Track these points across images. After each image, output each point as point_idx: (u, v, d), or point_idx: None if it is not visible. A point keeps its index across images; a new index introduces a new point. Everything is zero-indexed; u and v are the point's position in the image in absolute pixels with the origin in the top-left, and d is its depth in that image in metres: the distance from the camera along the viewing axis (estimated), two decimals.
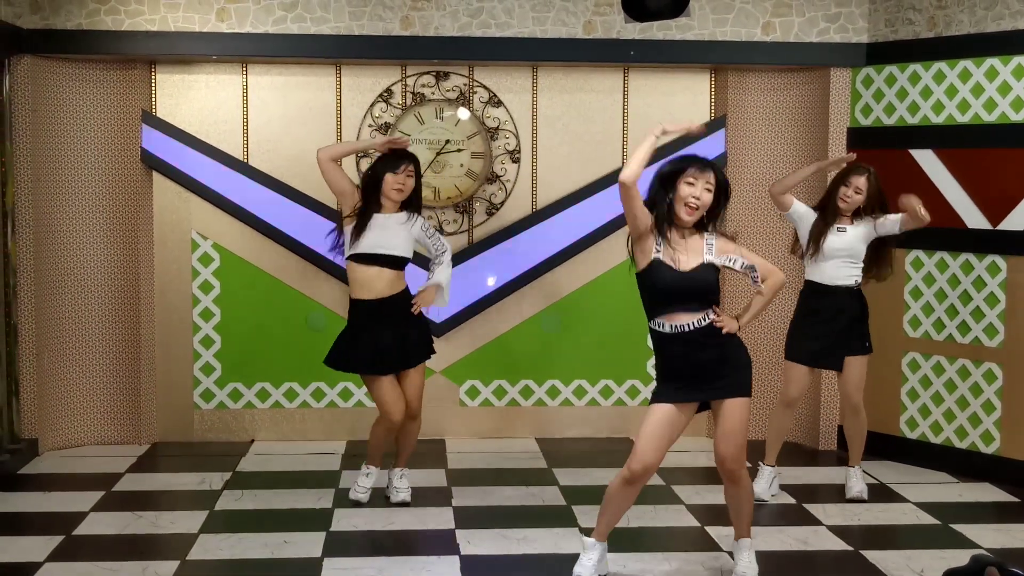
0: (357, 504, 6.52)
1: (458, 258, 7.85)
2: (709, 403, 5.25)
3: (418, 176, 6.41)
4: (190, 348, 7.96)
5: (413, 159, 6.40)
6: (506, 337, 8.11)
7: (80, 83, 7.62)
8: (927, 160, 7.33)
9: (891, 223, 6.47)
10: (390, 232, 6.31)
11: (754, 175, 8.01)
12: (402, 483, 6.61)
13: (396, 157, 6.34)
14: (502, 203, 8.03)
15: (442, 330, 7.93)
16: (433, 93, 7.95)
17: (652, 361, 8.08)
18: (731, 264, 5.16)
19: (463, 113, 7.97)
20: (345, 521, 6.25)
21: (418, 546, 5.89)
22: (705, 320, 5.11)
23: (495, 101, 7.98)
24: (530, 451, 7.81)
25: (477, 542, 5.90)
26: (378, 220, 6.30)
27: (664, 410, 5.16)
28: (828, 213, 6.53)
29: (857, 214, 6.54)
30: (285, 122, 7.91)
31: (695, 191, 5.06)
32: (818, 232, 6.53)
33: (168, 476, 7.20)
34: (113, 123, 7.73)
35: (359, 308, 6.38)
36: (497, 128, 7.99)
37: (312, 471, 7.26)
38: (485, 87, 7.97)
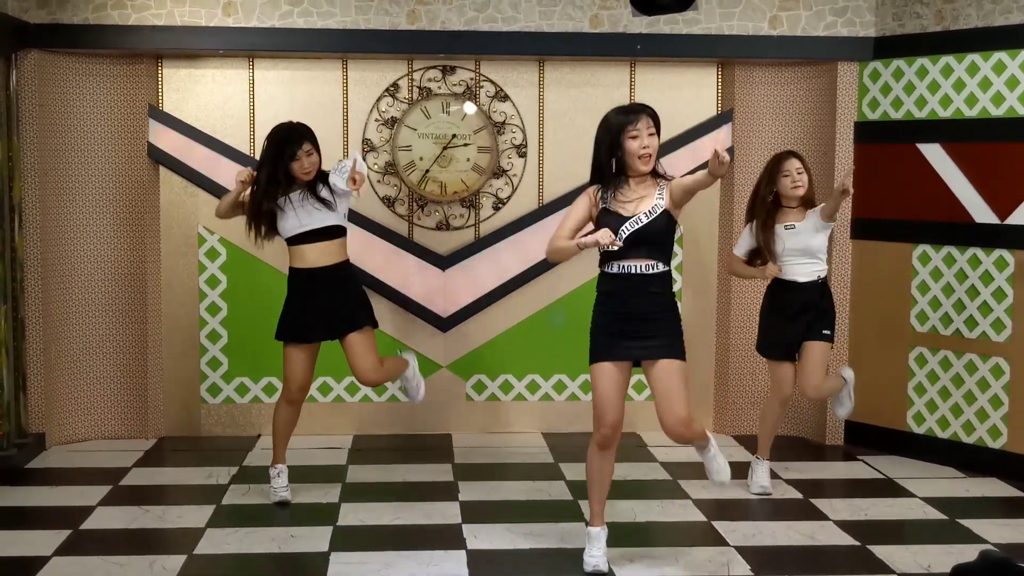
0: (284, 504, 6.42)
1: (464, 253, 7.87)
2: (639, 362, 5.32)
3: (318, 150, 6.36)
4: (197, 343, 7.96)
5: (307, 135, 6.32)
6: (513, 332, 8.11)
7: (87, 78, 7.63)
8: (934, 154, 7.32)
9: (823, 214, 6.45)
10: (307, 209, 6.25)
11: (760, 169, 7.97)
12: (278, 480, 6.49)
13: (291, 141, 6.26)
14: (509, 198, 8.03)
15: (448, 325, 7.93)
16: (439, 87, 7.95)
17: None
18: (683, 183, 5.21)
19: (469, 107, 7.96)
20: (352, 516, 6.26)
21: (424, 540, 5.89)
22: (652, 269, 5.20)
23: (502, 95, 7.98)
24: (536, 446, 7.81)
25: (484, 536, 5.91)
26: (293, 199, 6.26)
27: (608, 368, 5.27)
28: (767, 213, 6.48)
29: (805, 205, 6.52)
30: (292, 116, 7.82)
31: (642, 141, 5.18)
32: (766, 239, 6.50)
33: (175, 471, 7.21)
34: (120, 118, 7.73)
35: (292, 276, 6.41)
36: (504, 122, 7.98)
37: (319, 465, 7.26)
38: (492, 81, 7.96)
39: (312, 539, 5.85)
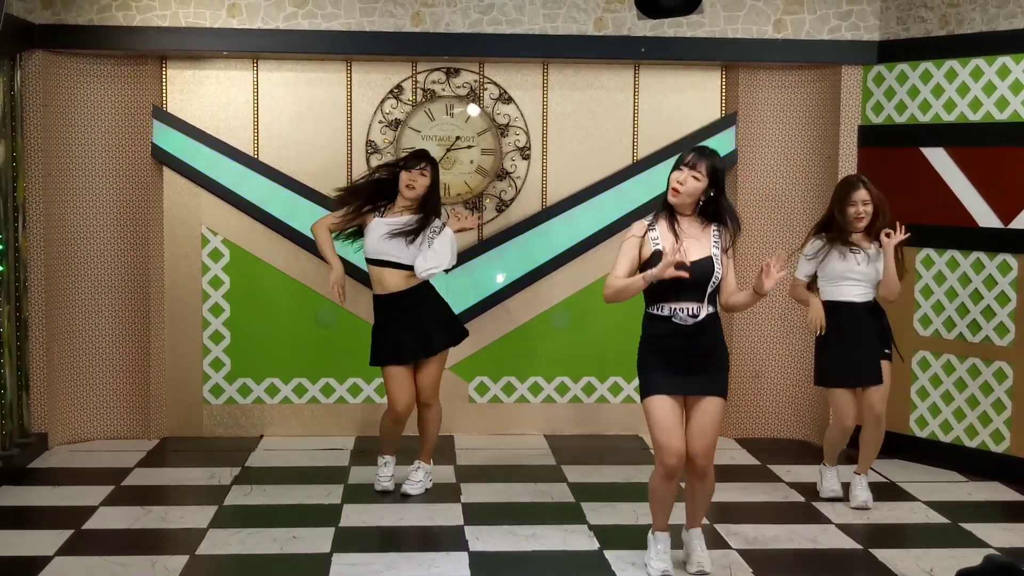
0: (384, 493, 6.59)
1: (468, 255, 7.86)
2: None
3: (435, 180, 6.52)
4: (200, 343, 7.97)
5: (429, 160, 6.55)
6: (516, 334, 8.11)
7: (91, 78, 7.63)
8: (938, 158, 7.31)
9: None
10: (395, 243, 6.41)
11: (764, 173, 8.00)
12: (416, 475, 6.67)
13: (413, 157, 6.55)
14: (512, 200, 8.03)
15: None
16: (444, 89, 7.95)
17: None
18: (729, 283, 5.33)
19: (473, 110, 7.96)
20: (354, 517, 6.26)
21: (427, 542, 5.89)
22: (702, 312, 5.19)
23: (505, 98, 7.98)
24: (539, 448, 7.81)
25: (486, 538, 5.90)
26: (386, 223, 6.43)
27: (664, 400, 5.25)
28: (840, 239, 6.38)
29: (869, 232, 6.41)
30: (296, 118, 7.91)
31: (680, 176, 5.23)
32: (836, 256, 6.40)
33: (177, 471, 7.21)
34: (124, 118, 7.73)
35: (377, 303, 6.57)
36: (507, 125, 7.98)
37: (321, 466, 7.26)
38: (496, 84, 7.97)
39: (314, 540, 5.85)
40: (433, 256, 6.44)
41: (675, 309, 5.20)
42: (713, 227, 5.29)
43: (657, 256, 5.17)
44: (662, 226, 5.27)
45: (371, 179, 6.61)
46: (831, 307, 6.46)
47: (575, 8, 7.57)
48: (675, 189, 5.23)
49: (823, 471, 6.72)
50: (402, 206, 6.49)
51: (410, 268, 6.45)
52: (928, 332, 7.43)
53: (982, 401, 7.19)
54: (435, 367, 6.60)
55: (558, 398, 8.16)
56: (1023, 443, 7.00)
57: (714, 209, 5.29)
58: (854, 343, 6.42)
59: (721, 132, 7.95)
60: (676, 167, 5.27)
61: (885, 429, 6.61)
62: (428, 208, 6.49)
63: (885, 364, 6.48)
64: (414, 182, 6.43)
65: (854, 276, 6.40)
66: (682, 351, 5.22)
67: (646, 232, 5.27)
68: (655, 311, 5.26)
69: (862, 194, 6.39)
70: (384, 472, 6.70)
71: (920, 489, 6.89)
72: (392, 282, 6.46)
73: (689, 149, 5.36)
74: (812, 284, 6.57)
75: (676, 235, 5.20)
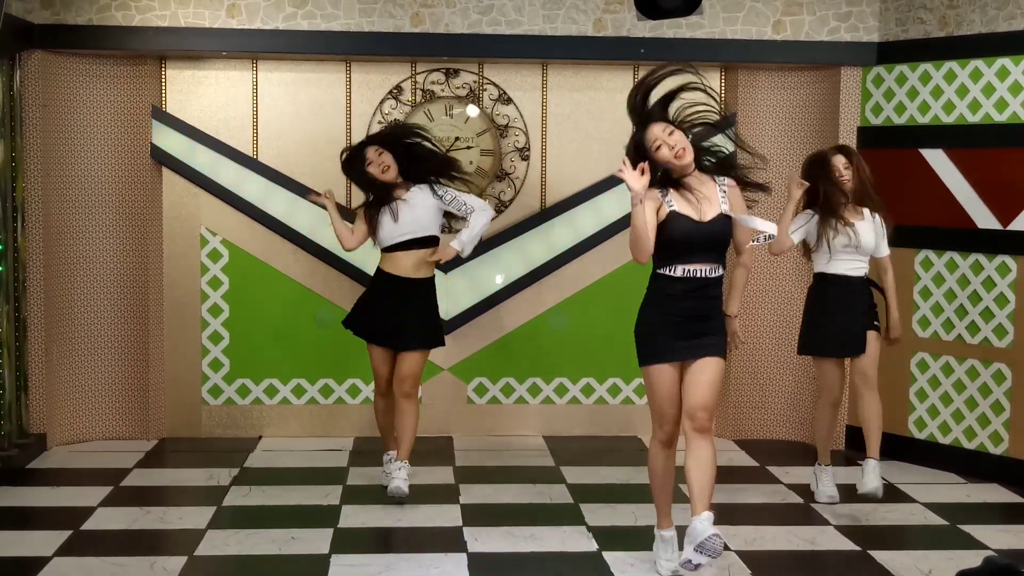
0: (400, 496, 6.46)
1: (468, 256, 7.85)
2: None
3: (414, 140, 6.61)
4: (198, 344, 7.97)
5: (377, 138, 6.64)
6: (514, 335, 8.11)
7: (90, 78, 7.63)
8: (937, 160, 7.32)
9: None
10: (406, 214, 6.47)
11: (763, 175, 7.96)
12: (401, 473, 6.54)
13: (360, 147, 6.58)
14: (511, 201, 8.03)
15: (450, 327, 7.92)
16: (443, 90, 7.95)
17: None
18: (750, 224, 5.26)
19: (473, 110, 7.96)
20: (353, 518, 6.26)
21: (425, 543, 5.89)
22: (715, 272, 5.17)
23: (505, 99, 7.98)
24: (537, 449, 7.81)
25: (484, 539, 5.90)
26: (392, 207, 6.48)
27: (667, 369, 5.18)
28: (828, 210, 6.40)
29: (861, 203, 6.46)
30: (295, 118, 7.91)
31: (667, 148, 5.11)
32: (826, 229, 6.44)
33: (176, 472, 7.21)
34: (123, 118, 7.73)
35: (379, 277, 6.61)
36: (507, 126, 7.98)
37: (320, 467, 7.26)
38: (495, 84, 7.97)
39: (313, 541, 5.85)
40: (466, 233, 6.59)
41: (689, 270, 5.13)
42: (718, 182, 5.22)
43: (674, 217, 5.09)
44: (671, 192, 5.15)
45: (365, 185, 6.61)
46: (823, 278, 6.50)
47: (574, 9, 7.57)
48: (678, 156, 5.09)
49: (818, 473, 6.71)
50: (399, 191, 6.55)
51: (426, 244, 6.50)
52: (927, 333, 7.43)
53: (981, 403, 7.19)
54: (414, 360, 6.54)
55: (557, 399, 8.16)
56: (1022, 445, 7.00)
57: (713, 162, 5.23)
58: (841, 314, 6.44)
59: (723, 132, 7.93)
60: (644, 154, 5.09)
61: (881, 405, 6.52)
62: (425, 178, 6.54)
63: (871, 334, 6.47)
64: (381, 163, 6.47)
65: (849, 249, 6.42)
66: (690, 313, 5.14)
67: (661, 201, 5.13)
68: (668, 272, 5.16)
69: (841, 159, 6.45)
70: (391, 467, 6.60)
71: (919, 491, 6.90)
72: (407, 264, 6.51)
73: (632, 135, 5.20)
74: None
75: (690, 197, 5.12)
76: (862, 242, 6.41)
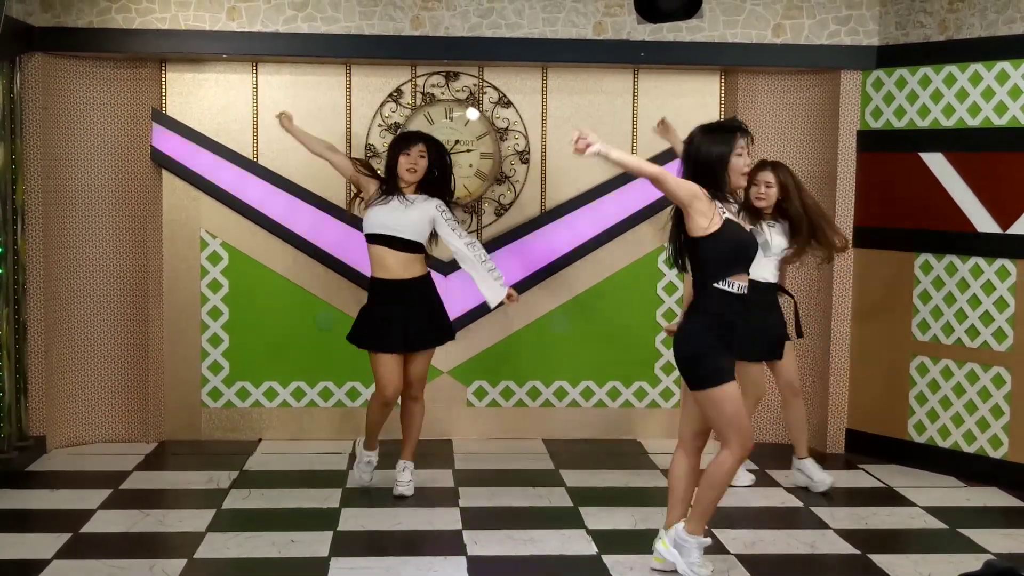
0: (362, 487, 6.64)
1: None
2: None
3: (442, 160, 6.63)
4: (198, 347, 7.96)
5: (426, 139, 6.64)
6: (514, 338, 8.11)
7: (91, 81, 7.64)
8: (937, 163, 7.32)
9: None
10: (400, 214, 6.48)
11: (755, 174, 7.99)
12: (404, 476, 6.65)
13: (407, 139, 6.61)
14: (511, 204, 8.03)
15: None
16: (443, 93, 7.96)
17: (661, 362, 8.09)
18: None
19: (472, 113, 7.97)
20: (352, 521, 6.26)
21: (425, 546, 5.89)
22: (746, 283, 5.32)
23: (505, 102, 7.98)
24: (537, 452, 7.80)
25: (484, 543, 5.90)
26: (394, 202, 6.48)
27: (735, 385, 5.27)
28: (750, 215, 6.49)
29: (782, 214, 6.59)
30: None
31: (745, 158, 5.29)
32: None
33: (175, 474, 7.20)
34: (123, 121, 7.74)
35: (374, 286, 6.59)
36: (507, 129, 7.99)
37: (319, 470, 7.26)
38: (495, 87, 7.97)
39: (312, 544, 5.85)
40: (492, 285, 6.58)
41: (742, 285, 5.23)
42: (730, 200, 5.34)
43: (730, 223, 5.17)
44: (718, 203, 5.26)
45: (387, 169, 6.66)
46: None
47: (574, 12, 7.57)
48: (747, 173, 5.32)
49: (804, 466, 6.85)
50: (408, 192, 6.57)
51: (410, 250, 6.47)
52: (926, 337, 7.43)
53: (980, 406, 7.19)
54: (425, 360, 6.64)
55: (556, 402, 8.16)
56: (1021, 449, 7.00)
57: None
58: (766, 320, 6.67)
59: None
60: (727, 151, 5.23)
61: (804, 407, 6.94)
62: (433, 191, 6.56)
63: (790, 344, 6.80)
64: (414, 165, 6.51)
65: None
66: (737, 325, 5.27)
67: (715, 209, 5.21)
68: (726, 287, 5.21)
69: (766, 175, 6.57)
70: (366, 470, 6.77)
71: (918, 494, 6.90)
72: (394, 264, 6.48)
73: (728, 127, 5.34)
74: None
75: (731, 208, 5.26)
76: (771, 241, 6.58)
